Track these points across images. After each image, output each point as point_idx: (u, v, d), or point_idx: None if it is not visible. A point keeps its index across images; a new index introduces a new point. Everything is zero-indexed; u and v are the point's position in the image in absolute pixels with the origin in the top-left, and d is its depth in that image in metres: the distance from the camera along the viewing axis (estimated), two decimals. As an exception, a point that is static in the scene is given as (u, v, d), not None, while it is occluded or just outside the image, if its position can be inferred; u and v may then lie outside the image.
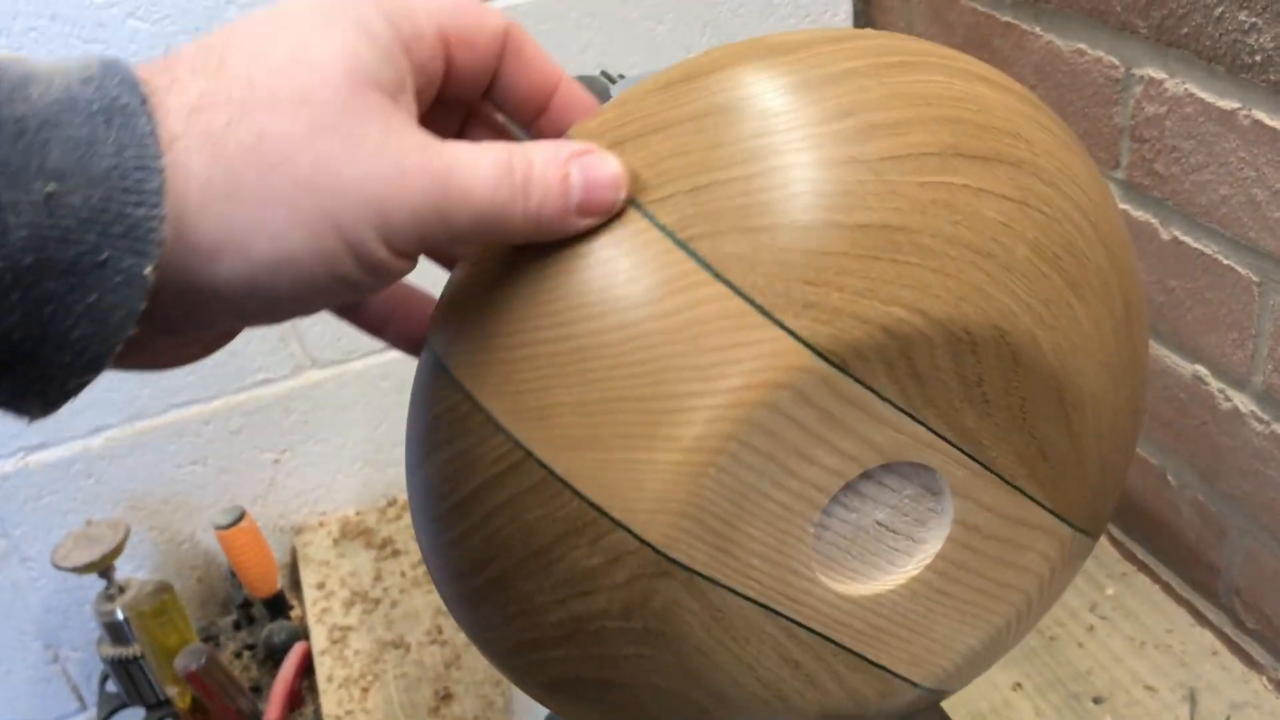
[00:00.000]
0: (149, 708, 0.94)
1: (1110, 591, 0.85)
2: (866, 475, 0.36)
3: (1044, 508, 0.39)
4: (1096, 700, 0.77)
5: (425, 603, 0.95)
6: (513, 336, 0.34)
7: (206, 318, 0.30)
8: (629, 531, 0.34)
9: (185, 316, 0.30)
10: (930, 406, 0.35)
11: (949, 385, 0.35)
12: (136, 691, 0.94)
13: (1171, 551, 0.86)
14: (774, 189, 0.33)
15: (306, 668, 0.93)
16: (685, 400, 0.33)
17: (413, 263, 0.32)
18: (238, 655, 0.99)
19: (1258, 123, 0.67)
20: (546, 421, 0.34)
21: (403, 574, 0.99)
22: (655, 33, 0.99)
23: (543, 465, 0.34)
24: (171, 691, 0.91)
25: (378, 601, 0.97)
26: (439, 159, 0.31)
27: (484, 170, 0.31)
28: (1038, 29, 0.84)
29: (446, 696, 0.86)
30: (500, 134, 0.40)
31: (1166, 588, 0.85)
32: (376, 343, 1.02)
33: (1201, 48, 0.69)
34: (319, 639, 0.94)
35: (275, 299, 0.30)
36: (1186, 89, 0.71)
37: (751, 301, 0.32)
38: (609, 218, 0.33)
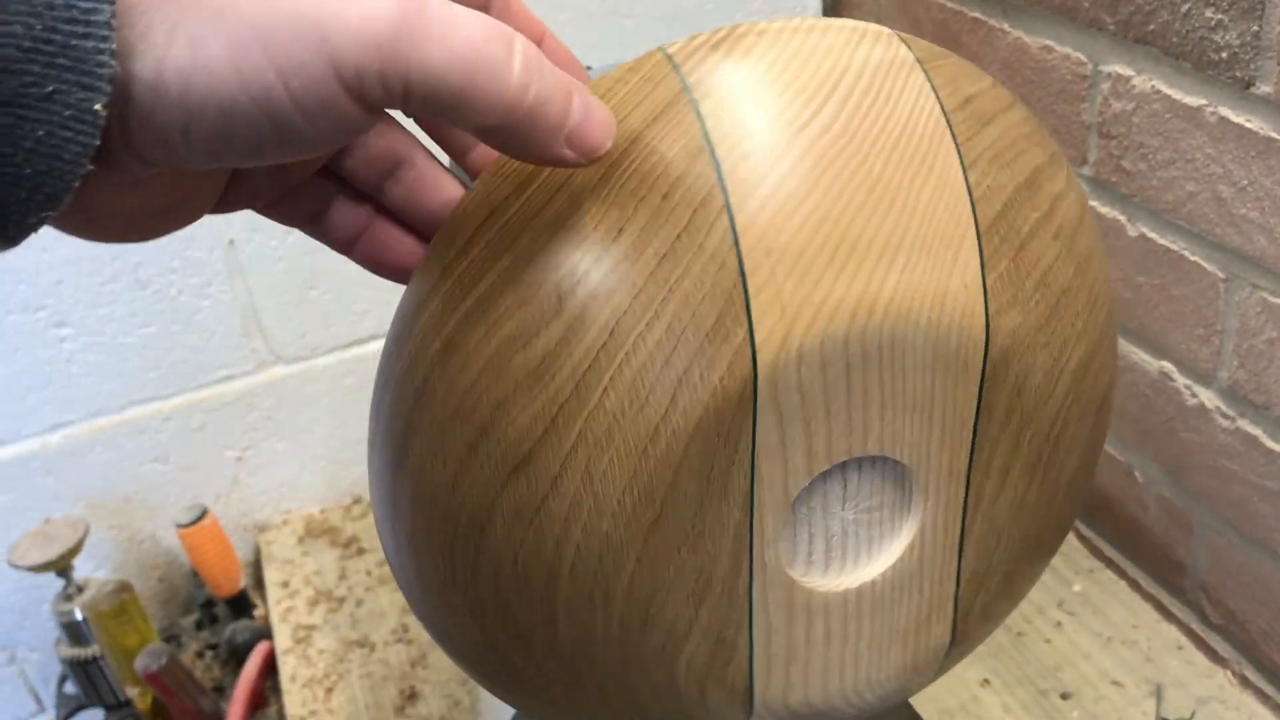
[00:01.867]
0: (109, 709, 0.92)
1: (1078, 588, 0.85)
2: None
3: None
4: (1064, 696, 0.77)
5: (390, 601, 0.94)
6: None
7: (142, 149, 0.28)
8: None
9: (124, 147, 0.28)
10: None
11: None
12: (96, 693, 0.92)
13: (1138, 548, 0.86)
14: None
15: (270, 668, 0.92)
16: None
17: (371, 115, 0.29)
18: (200, 655, 0.98)
19: (1223, 119, 0.67)
20: None
21: (368, 573, 0.98)
22: (624, 27, 0.99)
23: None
24: (132, 692, 0.89)
25: (342, 600, 0.95)
26: None
27: (471, 23, 0.28)
28: (1005, 25, 0.84)
29: (412, 696, 0.85)
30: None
31: (1133, 584, 0.85)
32: (342, 339, 1.02)
33: (1168, 44, 0.69)
34: (282, 638, 0.92)
35: (193, 122, 0.27)
36: (1153, 85, 0.71)
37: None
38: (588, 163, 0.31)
